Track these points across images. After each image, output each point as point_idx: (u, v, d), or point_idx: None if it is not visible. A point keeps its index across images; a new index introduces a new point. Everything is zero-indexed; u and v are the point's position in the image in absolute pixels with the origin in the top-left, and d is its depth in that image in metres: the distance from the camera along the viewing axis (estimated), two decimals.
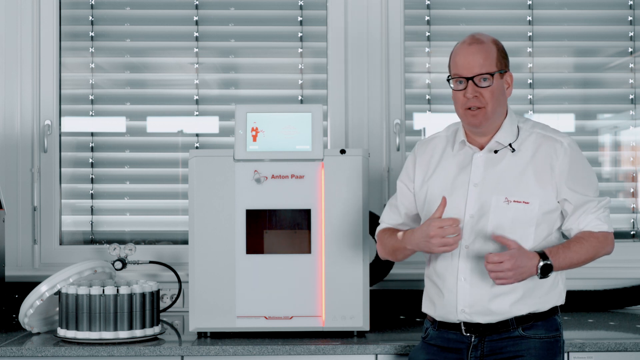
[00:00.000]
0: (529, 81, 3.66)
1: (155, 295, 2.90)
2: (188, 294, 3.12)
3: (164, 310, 3.34)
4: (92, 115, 3.66)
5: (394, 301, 3.39)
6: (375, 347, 2.73)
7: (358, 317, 2.86)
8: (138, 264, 3.31)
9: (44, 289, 2.86)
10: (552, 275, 2.39)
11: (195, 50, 3.66)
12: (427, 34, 3.66)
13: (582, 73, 3.73)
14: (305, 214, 2.87)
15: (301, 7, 3.66)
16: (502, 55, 2.49)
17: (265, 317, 2.86)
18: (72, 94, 3.66)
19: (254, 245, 2.87)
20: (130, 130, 3.68)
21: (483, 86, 2.43)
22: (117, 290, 2.81)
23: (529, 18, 3.66)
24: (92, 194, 3.64)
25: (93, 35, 3.66)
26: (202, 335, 2.89)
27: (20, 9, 3.57)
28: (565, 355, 2.72)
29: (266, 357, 2.73)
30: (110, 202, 3.64)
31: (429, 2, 3.66)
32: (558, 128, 2.57)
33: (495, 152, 2.48)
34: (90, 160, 3.65)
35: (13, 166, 3.56)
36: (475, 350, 2.45)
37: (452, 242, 2.37)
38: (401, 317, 3.32)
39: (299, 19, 3.66)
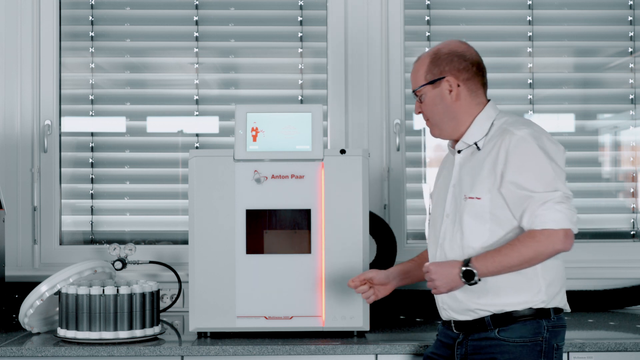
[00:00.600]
0: (529, 81, 3.66)
1: (155, 295, 2.90)
2: (188, 294, 3.12)
3: (164, 310, 3.34)
4: (92, 115, 3.66)
5: (394, 301, 3.39)
6: (375, 347, 2.73)
7: (358, 317, 2.86)
8: (138, 264, 3.31)
9: (44, 289, 2.86)
10: (528, 272, 2.36)
11: (195, 50, 3.66)
12: (427, 34, 3.66)
13: (582, 73, 3.73)
14: (305, 214, 2.87)
15: (301, 7, 3.66)
16: (435, 64, 2.50)
17: (265, 317, 2.86)
18: (72, 94, 3.66)
19: (254, 245, 2.87)
20: (130, 130, 3.68)
21: (421, 101, 2.53)
22: (117, 290, 2.81)
23: (529, 18, 3.66)
24: (92, 194, 3.64)
25: (93, 35, 3.66)
26: (202, 335, 2.89)
27: (20, 9, 3.57)
28: (565, 355, 2.72)
29: (266, 357, 2.73)
30: (110, 202, 3.64)
31: (429, 2, 3.67)
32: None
33: (459, 152, 2.51)
34: (90, 160, 3.65)
35: (13, 166, 3.56)
36: (460, 348, 2.48)
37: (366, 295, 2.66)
38: (401, 317, 3.32)
39: (299, 19, 3.66)
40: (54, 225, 3.58)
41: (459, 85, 2.49)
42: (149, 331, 2.86)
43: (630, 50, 3.68)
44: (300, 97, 3.65)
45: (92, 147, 3.65)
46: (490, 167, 2.39)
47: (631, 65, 3.68)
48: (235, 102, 3.63)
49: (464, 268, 2.33)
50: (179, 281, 3.38)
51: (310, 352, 2.72)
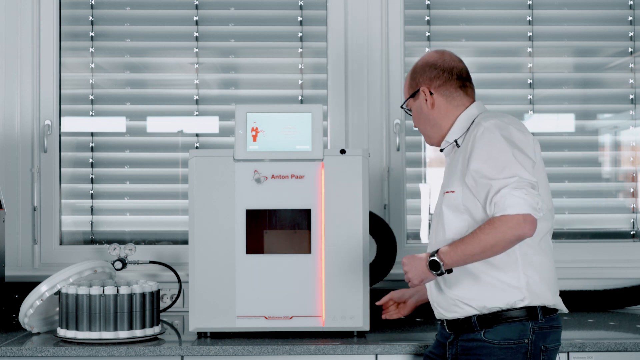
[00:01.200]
0: (529, 81, 3.66)
1: (155, 295, 2.90)
2: (188, 294, 3.12)
3: (164, 310, 3.34)
4: (92, 115, 3.66)
5: None
6: (375, 347, 2.73)
7: (358, 317, 2.86)
8: (138, 264, 3.31)
9: (44, 289, 2.86)
10: (507, 266, 2.37)
11: (195, 50, 3.66)
12: (427, 34, 3.66)
13: (582, 73, 3.73)
14: (305, 214, 2.87)
15: (301, 7, 3.66)
16: (412, 78, 2.63)
17: (265, 317, 2.86)
18: (72, 94, 3.66)
19: (254, 245, 2.87)
20: (130, 130, 3.68)
21: (410, 115, 2.68)
22: (117, 290, 2.81)
23: (529, 18, 3.66)
24: (92, 194, 3.64)
25: (93, 35, 3.66)
26: (202, 335, 2.89)
27: (20, 9, 3.57)
28: (565, 355, 2.72)
29: (266, 357, 2.73)
30: (110, 202, 3.64)
31: (429, 2, 3.67)
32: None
33: (441, 150, 2.61)
34: (90, 160, 3.65)
35: (13, 166, 3.56)
36: (451, 348, 2.50)
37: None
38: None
39: (299, 19, 3.66)
40: (54, 225, 3.58)
41: (431, 94, 2.57)
42: (149, 331, 2.86)
43: (630, 50, 3.68)
44: (300, 97, 3.65)
45: (92, 147, 3.65)
46: (462, 160, 2.44)
47: (631, 65, 3.68)
48: (235, 102, 3.63)
49: (430, 258, 2.37)
50: (179, 281, 3.38)
51: (310, 352, 2.72)
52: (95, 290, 2.79)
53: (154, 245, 3.60)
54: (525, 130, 2.43)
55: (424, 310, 3.30)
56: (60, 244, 3.60)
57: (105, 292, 2.80)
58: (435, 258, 2.36)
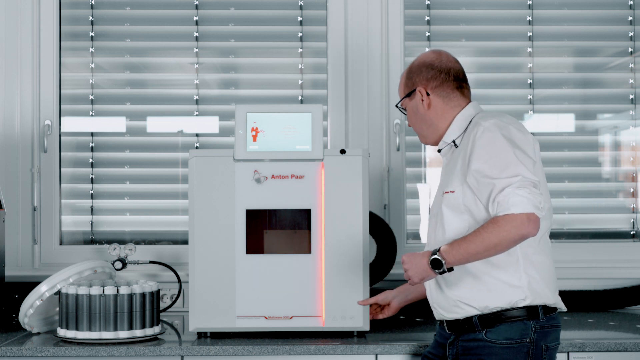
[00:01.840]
0: (529, 81, 3.66)
1: (155, 295, 2.90)
2: (188, 294, 3.12)
3: (164, 310, 3.34)
4: (92, 115, 3.66)
5: None
6: (375, 347, 2.73)
7: (358, 317, 2.86)
8: (138, 264, 3.31)
9: (44, 289, 2.86)
10: (509, 265, 2.38)
11: (195, 50, 3.66)
12: (427, 34, 3.66)
13: (582, 73, 3.73)
14: (305, 214, 2.87)
15: (301, 7, 3.66)
16: (408, 78, 2.64)
17: (265, 317, 2.86)
18: (72, 94, 3.66)
19: (254, 245, 2.87)
20: (130, 130, 3.68)
21: (405, 114, 2.69)
22: (117, 290, 2.81)
23: (529, 18, 3.66)
24: (92, 194, 3.64)
25: (93, 35, 3.66)
26: (202, 335, 2.89)
27: (20, 9, 3.57)
28: (565, 355, 2.72)
29: (266, 357, 2.73)
30: (110, 202, 3.64)
31: (429, 2, 3.67)
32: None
33: (439, 150, 2.60)
34: (90, 160, 3.65)
35: (13, 166, 3.56)
36: (451, 348, 2.50)
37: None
38: (401, 317, 3.32)
39: (299, 19, 3.66)
40: (54, 225, 3.58)
41: (428, 94, 2.58)
42: (149, 331, 2.86)
43: (630, 50, 3.68)
44: (300, 97, 3.65)
45: (92, 147, 3.65)
46: (462, 160, 2.44)
47: (631, 65, 3.68)
48: (235, 102, 3.63)
49: (431, 257, 2.37)
50: (179, 281, 3.38)
51: (310, 352, 2.72)
52: (95, 290, 2.79)
53: (154, 245, 3.60)
54: (524, 129, 2.44)
55: (424, 310, 3.31)
56: (60, 244, 3.60)
57: (105, 292, 2.80)
58: (437, 256, 2.36)
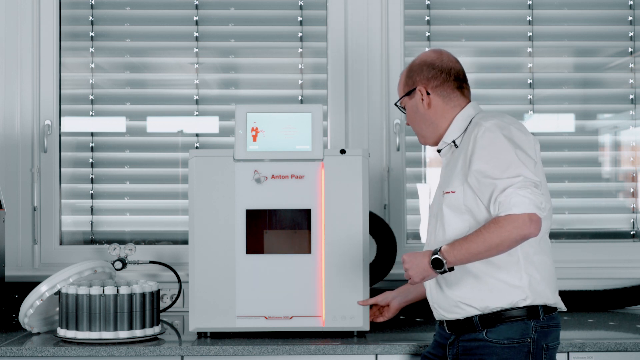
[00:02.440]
0: (529, 81, 3.66)
1: (155, 295, 2.90)
2: (188, 294, 3.12)
3: (164, 310, 3.34)
4: (92, 115, 3.66)
5: None
6: (375, 347, 2.73)
7: (358, 317, 2.86)
8: (138, 264, 3.31)
9: (44, 289, 2.86)
10: (510, 266, 2.38)
11: (195, 50, 3.66)
12: (427, 34, 3.66)
13: (582, 73, 3.73)
14: (305, 214, 2.87)
15: (301, 7, 3.66)
16: (409, 76, 2.62)
17: (265, 317, 2.86)
18: (72, 94, 3.66)
19: (254, 245, 2.87)
20: (130, 130, 3.68)
21: (404, 113, 2.67)
22: (117, 290, 2.81)
23: (529, 18, 3.66)
24: (92, 194, 3.64)
25: (93, 35, 3.66)
26: (202, 335, 2.89)
27: (20, 9, 3.57)
28: (565, 355, 2.72)
29: (266, 357, 2.73)
30: (110, 202, 3.64)
31: (429, 2, 3.67)
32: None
33: (439, 151, 2.60)
34: (90, 160, 3.65)
35: (13, 166, 3.56)
36: (452, 348, 2.49)
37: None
38: (401, 317, 3.32)
39: (299, 19, 3.66)
40: (54, 225, 3.58)
41: (428, 94, 2.57)
42: (149, 331, 2.86)
43: (630, 50, 3.68)
44: (300, 97, 3.65)
45: (92, 147, 3.65)
46: (462, 161, 2.44)
47: (631, 65, 3.68)
48: (235, 102, 3.63)
49: (433, 256, 2.37)
50: (179, 281, 3.38)
51: (310, 352, 2.72)
52: (95, 290, 2.79)
53: (154, 245, 3.60)
54: (525, 130, 2.44)
55: (424, 310, 3.31)
56: (60, 244, 3.60)
57: (105, 292, 2.80)
58: (438, 256, 2.36)
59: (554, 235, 3.58)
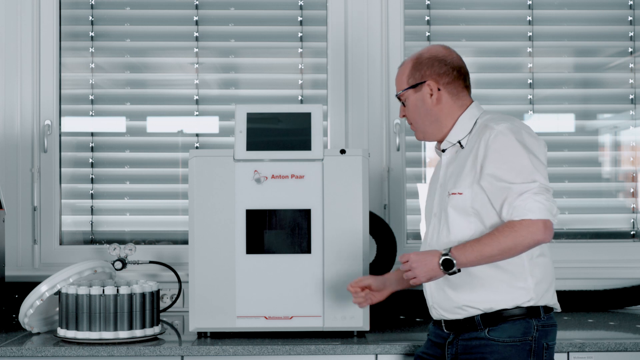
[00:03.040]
0: (529, 81, 3.66)
1: (155, 295, 2.90)
2: (188, 294, 3.12)
3: (164, 310, 3.34)
4: (92, 115, 3.66)
5: (394, 301, 3.38)
6: (375, 347, 2.73)
7: (358, 317, 2.86)
8: (138, 264, 3.31)
9: (44, 289, 2.86)
10: (516, 269, 2.38)
11: (195, 50, 3.66)
12: (427, 34, 3.66)
13: (582, 73, 3.73)
14: (305, 214, 2.87)
15: (301, 7, 3.66)
16: (416, 69, 2.55)
17: (265, 317, 2.86)
18: (72, 94, 3.66)
19: (254, 245, 2.87)
20: (130, 130, 3.68)
21: (404, 105, 2.61)
22: (117, 290, 2.81)
23: (529, 18, 3.67)
24: (92, 194, 3.64)
25: (93, 35, 3.66)
26: (202, 335, 2.89)
27: (20, 9, 3.57)
28: (565, 355, 2.72)
29: (266, 357, 2.73)
30: (110, 202, 3.64)
31: (429, 2, 3.67)
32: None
33: (443, 150, 2.57)
34: (90, 160, 3.65)
35: (13, 166, 3.56)
36: (451, 347, 2.48)
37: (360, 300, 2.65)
38: (401, 317, 3.32)
39: (299, 19, 3.66)
40: (54, 225, 3.58)
41: (439, 89, 2.53)
42: (149, 331, 2.86)
43: (630, 50, 3.68)
44: (300, 97, 3.65)
45: (92, 147, 3.65)
46: (471, 162, 2.43)
47: (631, 65, 3.68)
48: (235, 102, 3.63)
49: (443, 257, 2.35)
50: (179, 281, 3.38)
51: (310, 352, 2.72)
52: (95, 290, 2.79)
53: (154, 245, 3.60)
54: (535, 134, 2.44)
55: (424, 310, 3.31)
56: (60, 244, 3.60)
57: (105, 292, 2.80)
58: (449, 257, 2.34)
59: (554, 235, 3.56)
